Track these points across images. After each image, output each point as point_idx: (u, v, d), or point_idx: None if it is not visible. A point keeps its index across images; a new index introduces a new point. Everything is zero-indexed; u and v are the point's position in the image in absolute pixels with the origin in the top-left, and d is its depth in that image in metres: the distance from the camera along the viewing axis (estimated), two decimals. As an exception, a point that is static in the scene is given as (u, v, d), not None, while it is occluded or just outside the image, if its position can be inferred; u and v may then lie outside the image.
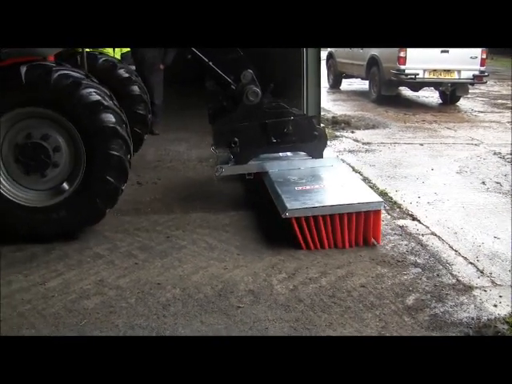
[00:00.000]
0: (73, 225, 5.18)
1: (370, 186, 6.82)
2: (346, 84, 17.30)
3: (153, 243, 5.17)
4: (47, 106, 4.97)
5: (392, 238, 5.30)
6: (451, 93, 13.82)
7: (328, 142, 9.34)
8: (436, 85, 13.76)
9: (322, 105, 9.67)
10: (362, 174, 7.49)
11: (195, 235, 5.33)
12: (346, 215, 4.97)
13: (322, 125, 9.58)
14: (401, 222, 5.74)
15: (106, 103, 5.01)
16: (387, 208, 6.04)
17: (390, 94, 13.83)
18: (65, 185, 5.16)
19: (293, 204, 5.05)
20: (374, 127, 11.05)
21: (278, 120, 6.02)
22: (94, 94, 4.98)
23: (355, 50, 15.13)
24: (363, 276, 4.52)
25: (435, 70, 13.08)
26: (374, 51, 14.00)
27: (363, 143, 9.64)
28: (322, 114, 9.70)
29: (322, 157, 6.24)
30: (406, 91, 15.25)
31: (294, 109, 6.28)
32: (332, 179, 5.75)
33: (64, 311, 4.02)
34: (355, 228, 5.02)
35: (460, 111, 13.27)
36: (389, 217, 5.85)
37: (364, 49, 14.50)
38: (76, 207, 5.09)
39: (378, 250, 4.99)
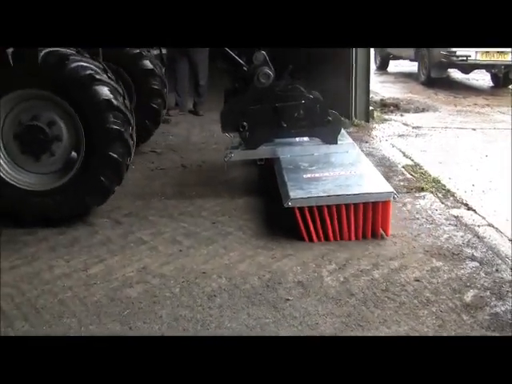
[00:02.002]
0: (58, 213, 5.04)
1: (422, 173, 6.61)
2: (394, 65, 16.91)
3: (198, 229, 5.02)
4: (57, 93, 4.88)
5: (446, 228, 5.05)
6: (504, 75, 13.36)
7: (377, 125, 9.18)
8: (488, 67, 13.32)
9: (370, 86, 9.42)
10: (412, 160, 7.25)
11: (241, 221, 5.15)
12: (352, 206, 4.71)
13: (370, 108, 9.41)
14: (455, 212, 5.47)
15: (97, 77, 4.85)
16: (440, 197, 5.82)
17: (439, 76, 13.44)
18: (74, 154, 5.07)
19: (297, 193, 4.81)
20: (423, 110, 10.75)
21: (289, 104, 5.75)
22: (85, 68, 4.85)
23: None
24: (417, 269, 4.28)
25: (488, 52, 12.63)
26: (424, 32, 13.56)
27: (413, 127, 9.36)
28: (370, 96, 9.49)
29: (336, 142, 5.91)
30: (455, 73, 14.81)
31: (315, 92, 6.00)
32: (344, 166, 5.44)
33: (106, 300, 3.88)
34: (362, 219, 4.75)
35: (512, 94, 12.83)
36: (442, 206, 5.59)
37: (413, 29, 14.07)
38: (81, 187, 4.99)
39: (433, 242, 4.74)
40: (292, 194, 4.76)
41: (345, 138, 6.27)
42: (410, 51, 14.44)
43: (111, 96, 4.86)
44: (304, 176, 5.21)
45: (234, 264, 4.37)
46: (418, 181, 6.32)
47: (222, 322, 3.61)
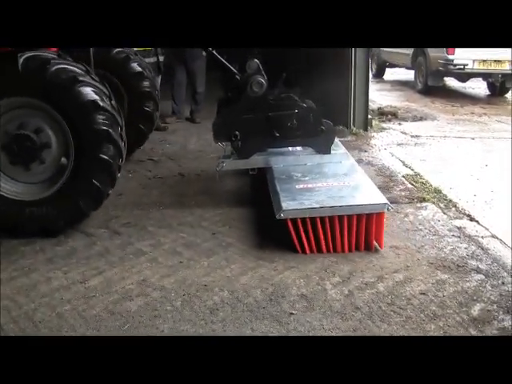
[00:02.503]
0: (54, 222, 4.95)
1: (423, 183, 6.54)
2: (390, 73, 16.88)
3: (198, 240, 4.93)
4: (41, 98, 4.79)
5: (450, 240, 4.97)
6: (501, 84, 13.35)
7: (375, 134, 9.13)
8: (485, 76, 13.30)
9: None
10: (412, 169, 7.18)
11: (242, 232, 5.07)
12: (345, 217, 4.62)
13: (369, 116, 9.36)
14: (458, 223, 5.39)
15: (80, 78, 4.76)
16: (442, 207, 5.75)
17: (436, 85, 13.42)
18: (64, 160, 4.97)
19: (289, 204, 4.72)
20: (421, 119, 10.71)
21: (281, 113, 5.65)
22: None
23: (400, 38, 14.68)
24: (423, 282, 4.21)
25: (485, 61, 12.62)
26: (421, 40, 13.55)
27: (412, 136, 9.30)
28: (368, 104, 9.44)
29: (329, 152, 5.81)
30: (451, 82, 14.79)
31: (308, 101, 5.88)
32: (338, 177, 5.34)
33: (105, 313, 3.79)
34: (356, 231, 4.66)
35: (510, 104, 12.78)
36: (445, 216, 5.52)
37: (410, 37, 14.06)
38: (74, 193, 4.89)
39: (437, 254, 4.67)
40: (284, 206, 4.68)
41: (338, 148, 6.19)
42: (407, 59, 14.41)
43: (96, 97, 4.77)
44: (296, 186, 5.12)
45: (236, 276, 4.28)
46: (419, 191, 6.25)
47: (226, 337, 3.52)
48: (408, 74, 15.31)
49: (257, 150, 5.77)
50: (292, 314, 3.76)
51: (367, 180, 5.35)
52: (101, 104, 4.76)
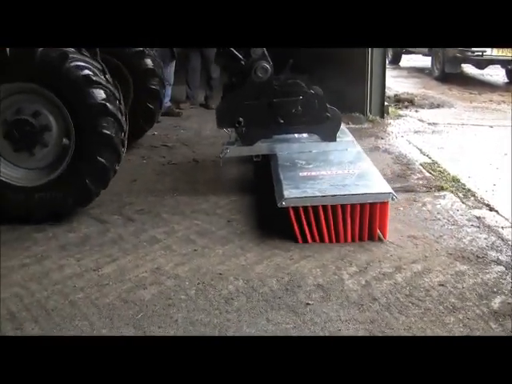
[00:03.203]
0: (63, 206, 4.91)
1: (440, 171, 6.44)
2: (406, 60, 16.70)
3: (213, 227, 4.86)
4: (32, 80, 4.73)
5: (469, 230, 4.87)
6: (520, 71, 13.17)
7: (392, 121, 9.01)
8: (504, 62, 13.10)
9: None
10: (430, 157, 7.06)
11: (258, 220, 5.00)
12: (348, 206, 4.52)
13: (385, 103, 9.24)
14: (477, 213, 5.28)
15: (94, 79, 4.71)
16: (461, 196, 5.65)
17: (453, 72, 13.23)
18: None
19: (291, 192, 4.63)
20: (438, 106, 10.58)
21: (285, 99, 5.57)
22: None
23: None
24: (441, 273, 4.12)
25: (504, 47, 12.42)
26: (438, 26, 13.37)
27: (429, 123, 9.17)
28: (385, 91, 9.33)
29: (334, 140, 5.72)
30: (468, 68, 14.60)
31: (315, 87, 5.79)
32: (342, 165, 5.23)
33: (119, 302, 3.74)
34: (359, 221, 4.56)
35: (529, 91, 12.60)
36: (464, 206, 5.42)
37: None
38: (65, 187, 4.85)
39: (456, 244, 4.58)
40: (286, 194, 4.60)
41: (345, 136, 6.10)
42: (424, 46, 14.24)
43: (88, 72, 4.70)
44: (300, 174, 5.03)
45: (251, 265, 4.21)
46: (437, 179, 6.14)
47: (241, 327, 3.46)
48: (424, 61, 15.12)
49: (261, 136, 5.69)
50: (308, 304, 3.69)
51: (373, 168, 5.23)
52: (94, 78, 4.68)
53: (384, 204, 4.58)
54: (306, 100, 5.56)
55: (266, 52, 5.56)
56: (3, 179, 4.86)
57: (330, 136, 5.70)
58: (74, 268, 4.19)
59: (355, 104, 9.28)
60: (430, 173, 6.39)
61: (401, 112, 9.96)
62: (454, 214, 5.19)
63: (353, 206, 4.52)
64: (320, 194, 4.56)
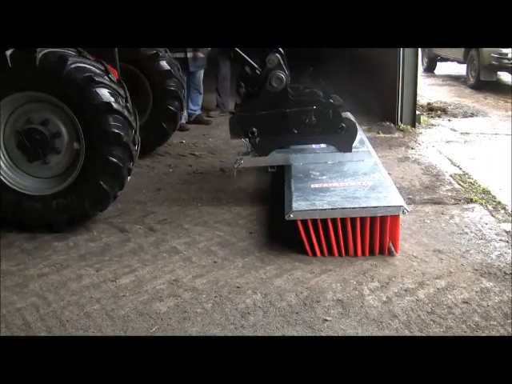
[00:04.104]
0: (57, 219, 4.91)
1: (471, 183, 6.28)
2: (441, 68, 16.47)
3: (234, 239, 4.82)
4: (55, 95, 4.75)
5: (497, 244, 4.73)
6: (557, 80, 12.88)
7: (423, 131, 8.86)
8: (542, 71, 12.83)
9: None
10: (461, 168, 6.91)
11: (280, 231, 4.91)
12: (358, 219, 4.42)
13: (417, 112, 9.09)
14: (507, 226, 5.13)
15: (97, 79, 4.69)
16: (490, 209, 5.50)
17: (489, 80, 12.99)
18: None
19: (300, 204, 4.54)
20: (472, 115, 10.36)
21: (299, 109, 5.46)
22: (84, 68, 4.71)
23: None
24: (466, 290, 4.00)
25: (542, 55, 12.16)
26: (474, 33, 13.16)
27: (461, 133, 8.98)
28: (416, 100, 9.18)
29: (350, 150, 5.58)
30: (504, 76, 14.32)
31: (335, 97, 5.69)
32: (356, 176, 5.12)
33: (134, 314, 3.70)
34: (369, 234, 4.45)
35: None
36: (493, 219, 5.27)
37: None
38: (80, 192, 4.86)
39: (483, 259, 4.45)
40: (295, 206, 4.52)
41: (362, 146, 5.97)
42: (459, 53, 14.02)
43: (111, 99, 4.70)
44: (312, 186, 4.95)
45: (271, 278, 4.15)
46: (467, 191, 6.00)
47: (255, 344, 3.39)
48: (460, 69, 14.89)
49: (275, 147, 5.62)
50: (326, 320, 3.61)
51: (387, 180, 5.11)
52: (114, 106, 4.70)
53: (395, 217, 4.47)
54: (319, 110, 5.47)
55: (282, 61, 5.49)
56: (19, 189, 4.94)
57: (346, 146, 5.60)
58: (92, 278, 4.18)
59: (386, 113, 9.18)
60: (460, 184, 6.24)
61: (433, 121, 9.78)
62: (483, 228, 5.05)
63: (362, 219, 4.42)
64: (329, 207, 4.47)
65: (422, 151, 7.69)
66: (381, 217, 4.42)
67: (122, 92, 4.92)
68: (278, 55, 5.48)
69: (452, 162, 7.18)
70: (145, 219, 5.26)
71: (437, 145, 8.11)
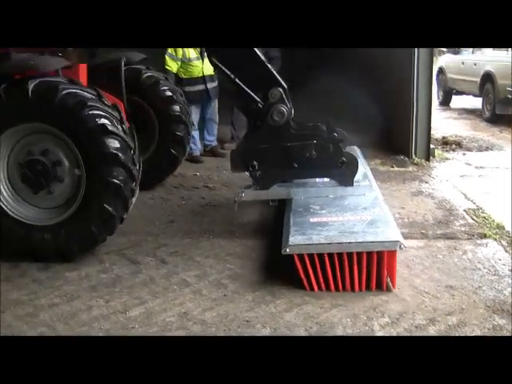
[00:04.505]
0: (68, 247, 4.95)
1: (485, 218, 6.25)
2: (457, 101, 16.49)
3: (245, 272, 4.82)
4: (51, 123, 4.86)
5: (511, 281, 4.69)
6: None
7: (438, 164, 8.85)
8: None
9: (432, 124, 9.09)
10: (474, 203, 6.87)
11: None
12: (355, 254, 4.39)
13: (431, 145, 9.09)
14: (521, 263, 5.10)
15: (89, 103, 4.78)
16: (504, 244, 5.46)
17: (504, 113, 12.97)
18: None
19: (296, 239, 4.54)
20: (487, 149, 10.33)
21: (299, 143, 5.50)
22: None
23: (467, 64, 14.41)
24: (478, 327, 3.95)
25: (559, 89, 12.14)
26: (489, 67, 13.20)
27: (476, 167, 8.96)
28: (431, 133, 9.18)
29: (351, 184, 5.60)
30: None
31: (340, 131, 5.73)
32: (356, 211, 5.11)
33: (143, 346, 3.70)
34: (366, 269, 4.42)
35: None
36: (507, 255, 5.23)
37: (477, 64, 13.77)
38: (86, 217, 4.90)
39: (495, 296, 4.41)
40: (291, 240, 4.52)
41: (365, 179, 5.98)
42: (474, 86, 14.04)
43: (105, 121, 4.78)
44: (311, 220, 4.94)
45: (280, 313, 4.14)
46: (481, 226, 5.96)
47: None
48: (476, 102, 14.90)
49: (276, 180, 5.66)
50: (335, 356, 3.58)
51: (386, 215, 5.09)
52: (109, 128, 4.77)
53: (392, 252, 4.44)
54: (319, 144, 5.50)
55: (284, 95, 5.54)
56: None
57: (347, 181, 5.61)
58: (102, 309, 4.19)
59: (400, 146, 9.19)
60: (474, 219, 6.21)
61: (448, 155, 9.77)
62: (496, 264, 5.01)
63: (359, 253, 4.41)
64: (326, 242, 4.47)
65: (436, 185, 7.67)
66: (377, 252, 4.41)
67: (116, 114, 5.00)
68: (280, 89, 5.53)
69: (466, 197, 7.15)
70: (157, 251, 5.28)
71: (451, 179, 8.09)
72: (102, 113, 4.80)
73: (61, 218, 4.98)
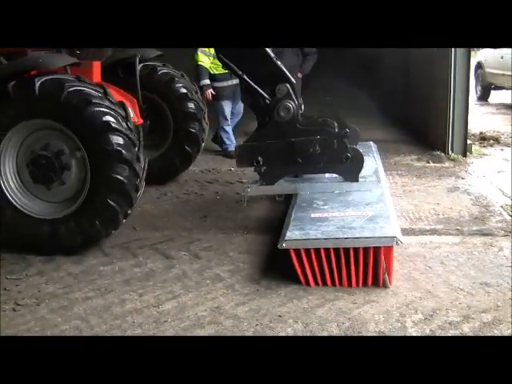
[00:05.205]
0: (72, 241, 5.04)
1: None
2: (496, 96, 16.24)
3: (278, 267, 4.77)
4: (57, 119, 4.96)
5: (548, 278, 4.62)
6: None
7: (475, 160, 8.72)
8: None
9: (469, 119, 8.96)
10: (511, 199, 6.77)
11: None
12: (352, 250, 4.35)
13: (468, 141, 8.97)
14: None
15: (94, 100, 4.85)
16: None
17: (544, 108, 12.77)
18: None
19: (293, 233, 4.51)
20: (526, 145, 10.16)
21: (303, 139, 5.48)
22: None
23: (506, 59, 14.17)
24: (513, 324, 3.90)
25: None
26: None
27: (514, 163, 8.82)
28: (468, 128, 9.05)
29: (357, 180, 5.53)
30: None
31: (352, 126, 5.73)
32: (359, 207, 5.06)
33: (175, 340, 3.72)
34: (363, 265, 4.37)
35: None
36: (543, 254, 5.14)
37: (516, 58, 13.55)
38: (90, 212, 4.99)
39: (532, 293, 4.34)
40: (288, 235, 4.51)
41: (373, 175, 5.88)
42: (513, 81, 13.84)
43: (110, 118, 4.86)
44: (312, 215, 4.92)
45: (313, 308, 4.12)
46: (518, 223, 5.87)
47: (294, 374, 3.36)
48: (515, 97, 14.68)
49: (281, 176, 5.65)
50: (367, 352, 3.56)
51: (389, 210, 5.03)
52: (113, 125, 4.84)
53: (388, 248, 4.40)
54: (323, 140, 5.47)
55: (291, 91, 5.54)
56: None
57: (352, 176, 5.56)
58: (135, 303, 4.22)
59: (436, 142, 9.09)
60: (511, 215, 6.11)
61: (485, 150, 9.63)
62: (533, 261, 4.93)
63: (356, 249, 4.37)
64: (322, 237, 4.45)
65: (473, 181, 7.57)
66: (374, 247, 4.37)
67: (121, 112, 5.06)
68: (287, 85, 5.54)
69: (503, 193, 7.04)
70: (190, 246, 5.31)
71: (488, 175, 7.97)
72: (106, 110, 4.89)
73: (66, 212, 5.09)
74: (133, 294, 4.36)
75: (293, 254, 4.41)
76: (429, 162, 8.50)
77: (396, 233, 4.47)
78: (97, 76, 6.17)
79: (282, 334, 3.77)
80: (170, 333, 3.79)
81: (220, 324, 3.91)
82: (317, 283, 4.44)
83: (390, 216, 4.89)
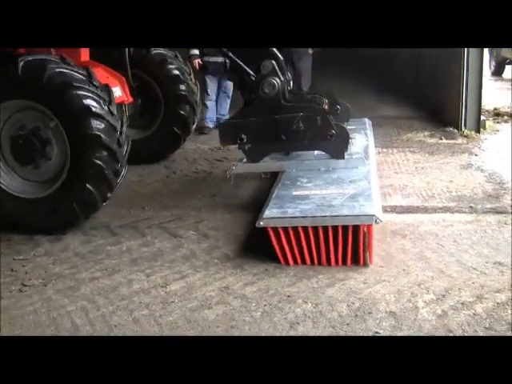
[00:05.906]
0: (49, 222, 5.05)
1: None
2: (510, 71, 16.01)
3: (287, 247, 4.73)
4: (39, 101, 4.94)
5: None
6: None
7: (488, 136, 8.59)
8: None
9: (482, 94, 8.82)
10: (526, 176, 6.65)
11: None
12: (330, 228, 4.27)
13: (482, 117, 8.83)
14: None
15: (75, 84, 4.82)
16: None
17: (560, 84, 12.56)
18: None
19: (272, 212, 4.44)
20: (541, 120, 10.00)
21: (286, 116, 5.38)
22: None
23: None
24: (528, 305, 3.82)
25: None
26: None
27: (528, 139, 8.68)
28: (482, 104, 8.92)
29: (342, 157, 5.43)
30: None
31: (343, 103, 5.69)
32: (342, 184, 4.97)
33: (182, 321, 3.67)
34: (342, 243, 4.30)
35: None
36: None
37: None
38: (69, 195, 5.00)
39: (546, 273, 4.25)
40: (266, 213, 4.43)
41: (359, 153, 5.76)
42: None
43: (92, 102, 4.82)
44: (293, 193, 4.85)
45: (322, 288, 4.05)
46: (533, 200, 5.76)
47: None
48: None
49: (266, 153, 5.57)
50: (377, 333, 3.49)
51: (372, 188, 4.91)
52: (93, 110, 4.81)
53: (368, 227, 4.30)
54: (307, 116, 5.37)
55: (276, 67, 5.44)
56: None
57: (338, 153, 5.47)
58: (143, 283, 4.18)
59: (449, 118, 8.95)
60: (525, 193, 6.01)
61: (499, 127, 9.48)
62: (549, 240, 4.83)
63: (334, 227, 4.29)
64: (300, 215, 4.37)
65: (486, 158, 7.46)
66: (353, 226, 4.28)
67: (104, 95, 5.02)
68: (273, 61, 5.45)
69: (517, 172, 6.93)
70: (199, 225, 5.26)
71: (502, 151, 7.84)
72: (88, 94, 4.86)
73: (46, 192, 5.10)
74: (140, 274, 4.31)
75: (271, 233, 4.34)
76: (441, 139, 8.39)
77: (376, 211, 4.38)
78: (85, 55, 6.13)
79: (291, 314, 3.71)
80: (177, 314, 3.75)
81: (228, 304, 3.86)
82: (296, 262, 4.38)
83: (372, 194, 4.79)
